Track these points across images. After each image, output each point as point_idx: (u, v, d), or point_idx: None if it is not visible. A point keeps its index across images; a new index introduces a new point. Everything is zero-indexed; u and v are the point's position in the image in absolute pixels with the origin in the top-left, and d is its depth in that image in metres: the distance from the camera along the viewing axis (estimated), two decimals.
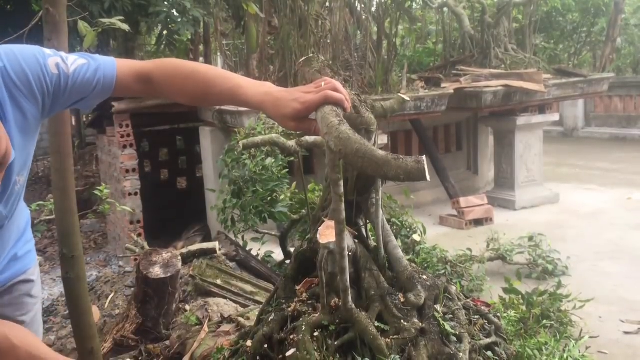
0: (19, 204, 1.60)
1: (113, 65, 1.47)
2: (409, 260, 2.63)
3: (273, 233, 4.99)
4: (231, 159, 4.30)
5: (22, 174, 1.48)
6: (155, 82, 1.52)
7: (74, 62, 1.43)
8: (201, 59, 12.14)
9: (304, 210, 4.43)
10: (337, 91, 1.38)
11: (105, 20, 2.88)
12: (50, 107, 1.43)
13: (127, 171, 6.58)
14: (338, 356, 2.25)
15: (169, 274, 3.36)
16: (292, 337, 2.31)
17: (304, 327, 2.28)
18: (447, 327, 2.31)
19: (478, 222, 7.25)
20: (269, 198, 4.21)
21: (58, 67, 1.40)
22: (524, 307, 3.63)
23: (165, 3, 7.38)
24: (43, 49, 1.44)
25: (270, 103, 1.41)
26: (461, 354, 2.26)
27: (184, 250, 4.40)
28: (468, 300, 2.69)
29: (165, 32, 7.86)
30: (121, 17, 3.00)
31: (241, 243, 4.82)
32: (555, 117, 8.66)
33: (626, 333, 4.23)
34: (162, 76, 1.52)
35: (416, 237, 4.99)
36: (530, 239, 5.48)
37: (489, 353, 2.42)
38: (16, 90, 1.35)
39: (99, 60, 1.47)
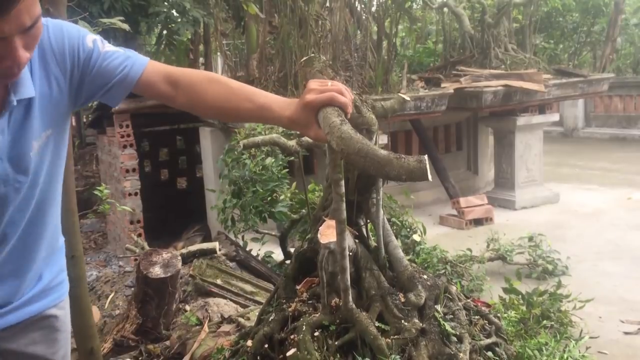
0: (50, 203, 1.49)
1: (145, 59, 1.48)
2: (409, 260, 2.63)
3: (273, 233, 4.99)
4: (231, 159, 4.29)
5: (47, 130, 1.41)
6: (182, 86, 1.48)
7: (110, 46, 1.46)
8: (201, 59, 12.16)
9: (304, 210, 4.43)
10: (343, 95, 1.38)
11: (106, 20, 2.88)
12: (78, 81, 1.42)
13: (127, 171, 6.58)
14: (338, 356, 2.25)
15: (169, 274, 3.36)
16: (292, 337, 2.31)
17: (304, 327, 2.28)
18: (448, 327, 2.31)
19: (478, 222, 7.25)
20: (269, 198, 4.21)
21: (94, 42, 1.43)
22: (524, 307, 3.63)
23: (165, 3, 7.38)
24: (86, 30, 1.48)
25: (297, 116, 1.41)
26: (461, 354, 2.26)
27: (184, 250, 4.40)
28: (468, 300, 2.69)
29: (165, 32, 7.86)
30: (121, 17, 3.00)
31: (241, 243, 4.82)
32: (555, 117, 8.66)
33: (626, 333, 4.23)
34: (191, 83, 1.48)
35: (416, 237, 4.99)
36: (530, 239, 5.48)
37: (489, 353, 2.42)
38: (50, 53, 1.38)
39: (135, 52, 1.49)
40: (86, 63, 1.42)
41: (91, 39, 1.43)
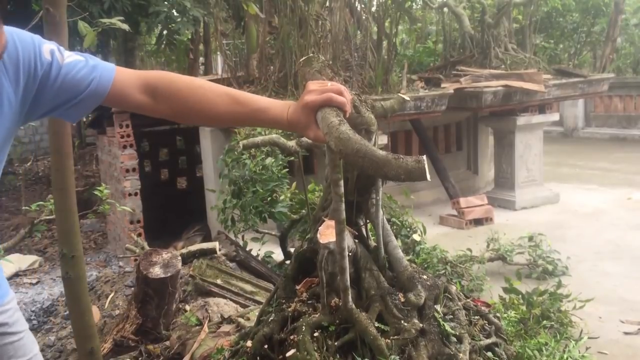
0: None
1: (112, 68, 1.36)
2: (409, 260, 2.64)
3: (273, 233, 4.99)
4: (231, 159, 4.30)
5: None
6: (162, 94, 1.37)
7: (70, 56, 1.33)
8: (201, 58, 12.17)
9: (304, 210, 4.43)
10: (341, 95, 1.36)
11: (105, 20, 2.88)
12: (34, 97, 1.30)
13: (127, 171, 6.58)
14: (338, 356, 2.25)
15: (169, 274, 3.36)
16: (292, 337, 2.31)
17: (304, 327, 2.28)
18: (447, 328, 2.31)
19: (478, 222, 7.25)
20: (269, 198, 4.21)
21: (52, 54, 1.30)
22: (524, 307, 3.64)
23: (165, 3, 7.39)
24: (39, 37, 1.34)
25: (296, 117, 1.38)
26: (461, 355, 2.26)
27: (184, 250, 4.40)
28: (468, 300, 2.69)
29: (165, 32, 7.87)
30: (121, 17, 3.00)
31: (241, 243, 4.82)
32: (555, 117, 8.66)
33: (626, 333, 4.23)
34: (173, 89, 1.38)
35: (416, 237, 4.99)
36: (530, 239, 5.47)
37: (489, 353, 2.42)
38: (1, 67, 1.24)
39: (98, 60, 1.37)
40: (45, 78, 1.28)
41: (48, 49, 1.30)
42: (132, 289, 4.34)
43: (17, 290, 6.16)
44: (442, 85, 7.51)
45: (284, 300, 2.52)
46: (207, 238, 6.37)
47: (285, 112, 1.39)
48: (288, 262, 4.18)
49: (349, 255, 2.26)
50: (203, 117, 1.43)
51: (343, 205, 2.10)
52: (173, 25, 7.39)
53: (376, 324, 2.28)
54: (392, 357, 2.16)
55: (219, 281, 3.99)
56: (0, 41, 1.12)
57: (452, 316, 2.44)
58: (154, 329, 3.50)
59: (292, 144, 3.54)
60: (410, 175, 1.23)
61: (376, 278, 2.43)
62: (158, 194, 8.17)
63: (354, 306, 2.27)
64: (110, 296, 4.78)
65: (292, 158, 4.19)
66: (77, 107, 1.34)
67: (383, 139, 6.40)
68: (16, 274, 6.65)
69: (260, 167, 4.19)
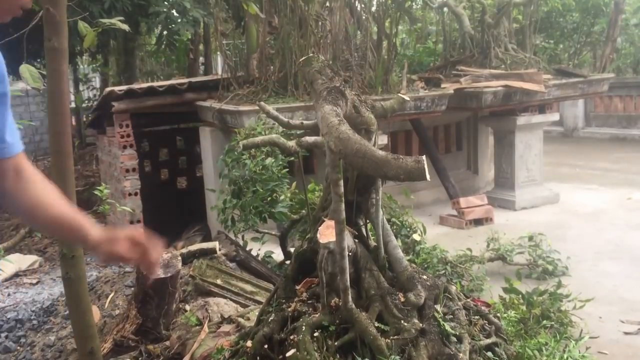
0: None
1: (18, 149, 1.44)
2: (409, 260, 2.64)
3: (273, 232, 4.99)
4: (231, 159, 4.30)
5: None
6: (23, 179, 1.45)
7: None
8: (201, 58, 12.17)
9: (304, 210, 4.43)
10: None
11: (105, 21, 2.88)
12: None
13: (127, 171, 6.58)
14: (338, 356, 2.25)
15: (169, 274, 3.36)
16: (292, 337, 2.31)
17: (304, 327, 2.28)
18: (447, 328, 2.31)
19: (478, 222, 7.24)
20: (269, 198, 4.21)
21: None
22: (524, 307, 3.64)
23: (165, 3, 7.39)
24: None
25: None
26: (461, 355, 2.26)
27: (184, 250, 4.40)
28: (468, 300, 2.70)
29: (165, 33, 7.87)
30: (121, 18, 3.00)
31: (241, 243, 4.82)
32: (555, 116, 8.65)
33: (626, 333, 4.23)
34: (31, 179, 1.47)
35: (416, 236, 4.99)
36: (530, 239, 5.47)
37: (489, 353, 2.43)
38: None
39: (16, 138, 1.45)
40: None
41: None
42: (132, 289, 4.35)
43: (17, 290, 6.16)
44: (442, 85, 7.50)
45: (284, 300, 2.53)
46: (207, 238, 6.37)
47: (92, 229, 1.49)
48: (288, 262, 4.18)
49: (349, 255, 2.26)
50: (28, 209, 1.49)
51: (343, 205, 2.10)
52: (173, 25, 7.40)
53: (376, 324, 2.28)
54: (392, 357, 2.17)
55: (219, 281, 3.99)
56: None
57: (452, 316, 2.44)
58: (154, 329, 3.50)
59: (292, 144, 3.53)
60: (410, 175, 1.23)
61: (376, 278, 2.43)
62: (158, 194, 8.17)
63: (354, 306, 2.28)
64: (110, 296, 4.79)
65: (292, 158, 4.18)
66: None
67: (383, 139, 6.40)
68: (16, 274, 6.65)
69: (260, 167, 4.19)
